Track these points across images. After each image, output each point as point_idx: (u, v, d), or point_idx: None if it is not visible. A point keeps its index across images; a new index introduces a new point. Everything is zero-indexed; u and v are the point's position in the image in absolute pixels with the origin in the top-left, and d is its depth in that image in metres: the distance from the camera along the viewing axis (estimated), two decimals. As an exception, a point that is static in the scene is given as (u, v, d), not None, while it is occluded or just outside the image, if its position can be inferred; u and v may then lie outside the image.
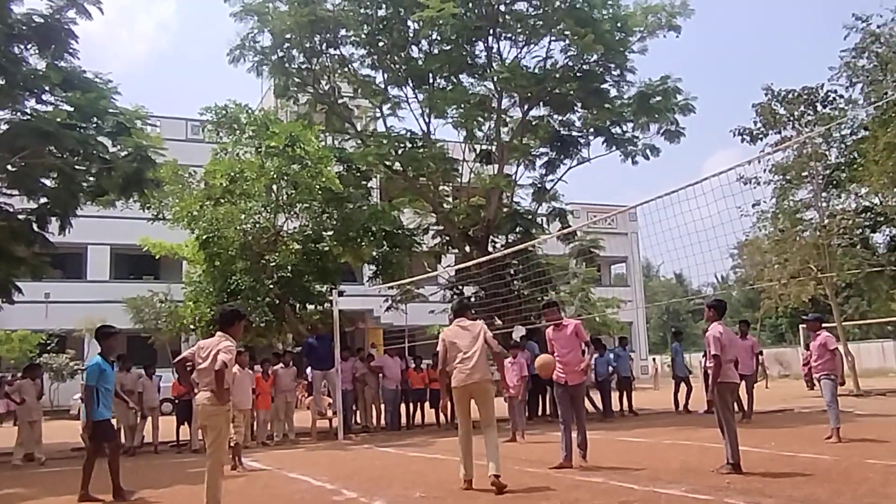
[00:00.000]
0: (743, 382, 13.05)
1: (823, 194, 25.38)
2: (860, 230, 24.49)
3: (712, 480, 7.39)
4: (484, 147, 21.55)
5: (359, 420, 16.46)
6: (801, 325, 39.67)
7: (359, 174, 19.73)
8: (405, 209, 21.01)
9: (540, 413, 17.10)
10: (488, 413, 7.71)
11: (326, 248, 17.86)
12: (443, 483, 8.07)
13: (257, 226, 17.66)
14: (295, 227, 18.16)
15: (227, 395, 6.60)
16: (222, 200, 17.18)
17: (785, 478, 7.40)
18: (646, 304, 50.96)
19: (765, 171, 26.17)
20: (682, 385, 17.56)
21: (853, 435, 11.06)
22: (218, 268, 17.03)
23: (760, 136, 25.52)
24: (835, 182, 25.02)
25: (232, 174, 17.20)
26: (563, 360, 9.02)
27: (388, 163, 19.82)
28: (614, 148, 20.62)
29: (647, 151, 20.69)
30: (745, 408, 14.32)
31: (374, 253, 18.72)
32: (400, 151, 19.60)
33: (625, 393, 17.91)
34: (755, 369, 15.01)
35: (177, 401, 14.28)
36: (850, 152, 24.20)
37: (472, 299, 20.94)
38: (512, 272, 19.83)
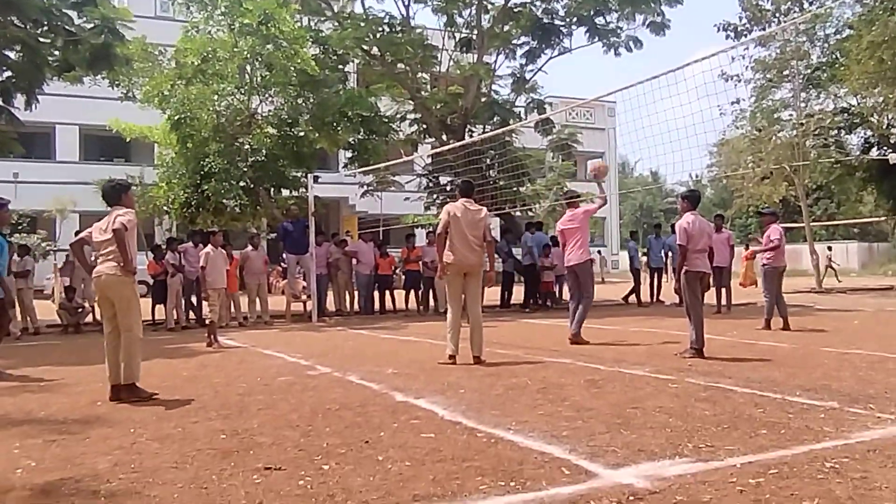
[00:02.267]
0: (721, 275, 13.59)
1: (803, 94, 25.33)
2: (836, 131, 24.62)
3: (675, 363, 7.66)
4: (464, 34, 21.03)
5: (333, 304, 16.68)
6: (770, 223, 40.49)
7: (335, 57, 19.22)
8: (382, 96, 20.62)
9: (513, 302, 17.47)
10: (477, 292, 8.16)
11: (302, 133, 17.59)
12: (415, 361, 8.30)
13: (231, 108, 17.26)
14: (270, 111, 17.80)
15: (131, 263, 6.27)
16: (194, 80, 16.70)
17: (744, 362, 7.69)
18: (620, 200, 51.35)
19: (746, 68, 26.00)
20: (648, 277, 17.93)
21: (812, 326, 11.48)
22: (190, 150, 16.75)
23: (745, 31, 25.15)
24: (815, 82, 24.92)
25: (204, 53, 16.66)
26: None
27: (365, 47, 19.34)
28: (597, 38, 20.26)
29: (631, 43, 20.34)
30: (726, 300, 14.76)
31: (351, 139, 18.49)
32: (378, 35, 19.09)
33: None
34: (730, 262, 15.30)
35: (153, 281, 14.32)
36: (832, 52, 24.02)
37: (448, 188, 20.96)
38: (488, 161, 19.79)
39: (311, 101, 17.25)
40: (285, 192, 18.30)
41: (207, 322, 10.96)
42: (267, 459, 4.24)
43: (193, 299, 14.55)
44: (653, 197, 68.32)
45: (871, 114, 22.74)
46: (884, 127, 22.97)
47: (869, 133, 23.90)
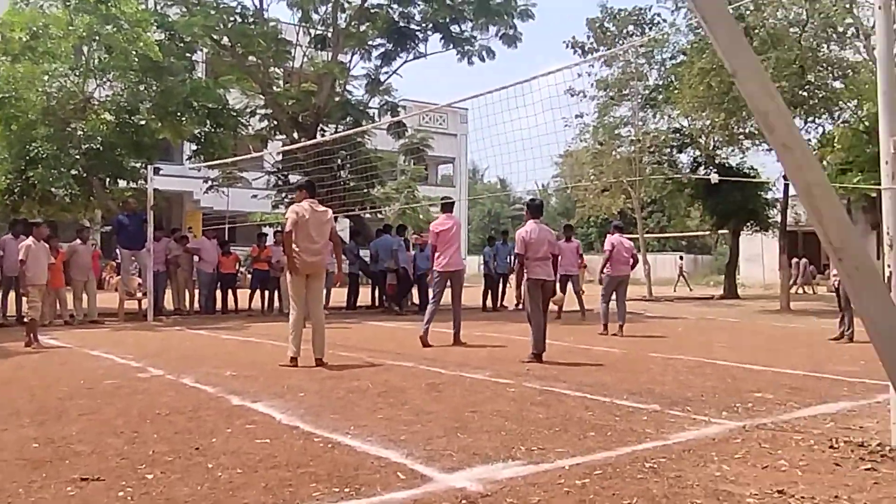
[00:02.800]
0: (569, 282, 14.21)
1: (641, 113, 26.91)
2: (669, 149, 26.30)
3: (515, 368, 7.87)
4: (319, 31, 20.73)
5: (171, 303, 15.92)
6: (607, 235, 42.78)
7: (182, 45, 18.33)
8: (232, 88, 19.88)
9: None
10: (320, 293, 8.15)
11: (143, 122, 16.64)
12: (255, 363, 8.06)
13: (63, 90, 16.04)
14: (107, 96, 16.72)
15: None
16: (21, 58, 15.39)
17: (579, 367, 8.03)
18: (469, 206, 52.42)
19: (591, 85, 27.32)
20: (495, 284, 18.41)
21: (642, 333, 12.18)
22: (15, 132, 15.41)
23: (591, 50, 26.40)
24: (652, 102, 26.52)
25: (34, 29, 15.40)
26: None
27: (215, 36, 18.59)
28: (451, 46, 20.53)
29: (484, 53, 20.78)
30: (579, 307, 15.37)
31: (196, 131, 17.72)
32: (229, 25, 18.40)
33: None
34: (580, 270, 16.06)
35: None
36: (668, 75, 25.63)
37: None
38: (339, 162, 19.59)
39: (154, 88, 16.35)
40: (122, 183, 17.24)
41: (26, 320, 10.13)
42: (84, 469, 3.95)
43: (12, 295, 13.42)
44: (501, 204, 70.21)
45: (700, 135, 24.45)
46: (710, 148, 24.74)
47: (697, 153, 25.67)
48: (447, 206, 10.70)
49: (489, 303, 18.12)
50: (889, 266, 4.48)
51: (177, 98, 16.14)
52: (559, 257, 9.31)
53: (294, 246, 7.86)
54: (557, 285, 9.72)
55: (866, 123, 19.14)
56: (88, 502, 3.46)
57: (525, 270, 8.49)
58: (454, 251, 10.11)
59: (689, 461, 4.17)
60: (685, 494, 3.57)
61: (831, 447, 4.48)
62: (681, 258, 37.37)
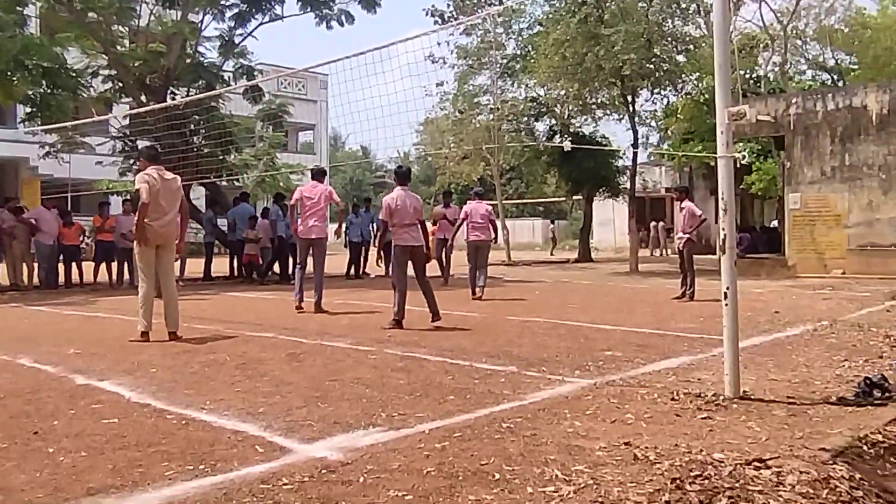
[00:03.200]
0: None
1: (500, 82, 27.36)
2: (526, 118, 26.94)
3: (376, 335, 7.87)
4: (166, -13, 19.58)
5: (6, 278, 14.77)
6: (467, 202, 43.48)
7: (11, -3, 16.83)
8: (71, 47, 18.49)
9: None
10: (171, 264, 7.89)
11: (-34, 81, 15.23)
12: (102, 340, 7.64)
13: None
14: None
15: None
16: None
17: (438, 332, 8.14)
18: (331, 173, 51.67)
19: (451, 53, 27.46)
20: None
21: (500, 297, 12.49)
22: None
23: (451, 18, 26.46)
24: (510, 72, 27.02)
25: None
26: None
27: (49, -12, 17.20)
28: (309, 9, 19.97)
29: (343, 17, 20.37)
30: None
31: (30, 92, 16.38)
32: (65, -23, 17.06)
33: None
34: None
35: None
36: (525, 45, 26.16)
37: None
38: (192, 127, 18.71)
39: (-22, 44, 14.97)
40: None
41: None
42: None
43: None
44: (363, 171, 69.75)
45: (555, 104, 25.22)
46: (565, 117, 25.57)
47: (553, 122, 26.45)
48: (317, 174, 10.62)
49: (352, 271, 18.03)
50: (724, 229, 4.79)
51: (6, 55, 14.83)
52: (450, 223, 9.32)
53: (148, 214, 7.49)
54: (430, 251, 9.84)
55: (706, 96, 20.37)
56: None
57: (392, 237, 8.48)
58: (317, 219, 10.09)
59: (544, 419, 4.32)
60: (540, 451, 3.70)
61: (672, 399, 4.77)
62: (552, 223, 38.77)
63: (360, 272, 18.13)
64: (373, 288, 14.41)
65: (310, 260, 10.14)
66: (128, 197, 16.70)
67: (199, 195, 23.24)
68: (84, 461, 3.61)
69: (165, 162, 17.22)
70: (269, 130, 31.92)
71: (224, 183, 20.98)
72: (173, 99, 18.21)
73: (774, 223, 29.81)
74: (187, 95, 18.25)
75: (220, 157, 19.49)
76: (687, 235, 11.63)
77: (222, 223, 18.22)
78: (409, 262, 8.64)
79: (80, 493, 3.18)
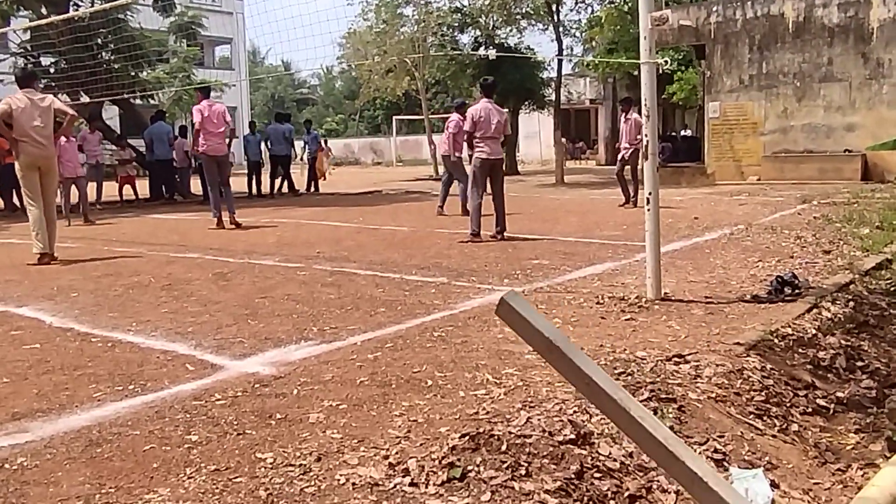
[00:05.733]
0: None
1: (422, -9, 26.65)
2: (451, 30, 26.44)
3: (304, 252, 7.81)
4: None
5: None
6: (393, 117, 42.91)
7: None
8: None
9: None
10: (51, 186, 7.74)
11: None
12: (17, 267, 7.36)
13: None
14: None
15: None
16: None
17: (368, 247, 8.12)
18: (252, 90, 50.11)
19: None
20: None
21: (428, 211, 12.49)
22: None
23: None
24: (433, -21, 26.32)
25: None
26: None
27: None
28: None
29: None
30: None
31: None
32: None
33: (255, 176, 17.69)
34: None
35: None
36: (448, -49, 25.44)
37: (52, 70, 18.51)
38: (100, 42, 17.72)
39: None
40: None
41: None
42: None
43: None
44: (284, 87, 67.73)
45: (480, 15, 24.80)
46: (490, 28, 25.21)
47: (478, 33, 26.04)
48: (203, 91, 10.88)
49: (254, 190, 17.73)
50: (646, 135, 4.87)
51: None
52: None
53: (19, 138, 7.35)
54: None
55: (629, 5, 20.28)
56: None
57: (474, 149, 8.34)
58: (216, 136, 10.32)
59: (474, 327, 4.41)
60: (471, 357, 3.79)
61: (598, 303, 4.93)
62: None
63: (275, 191, 17.81)
64: (298, 206, 14.20)
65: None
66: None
67: (112, 114, 22.22)
68: (6, 388, 3.53)
69: (72, 81, 16.46)
70: (182, 45, 30.46)
71: (139, 101, 20.10)
72: (76, 10, 17.14)
73: (685, 133, 30.48)
74: (91, 6, 17.21)
75: (132, 74, 18.61)
76: (634, 146, 11.64)
77: (140, 144, 17.56)
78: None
79: (4, 418, 3.12)
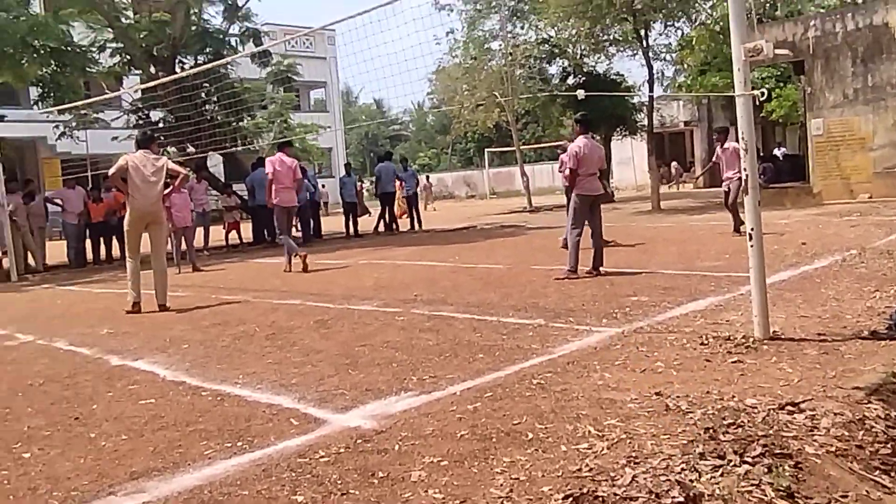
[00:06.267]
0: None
1: (509, 25, 26.85)
2: (538, 61, 26.49)
3: (402, 295, 7.90)
4: (166, -46, 19.33)
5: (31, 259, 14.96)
6: (485, 150, 43.15)
7: (12, -23, 16.72)
8: (75, 22, 18.41)
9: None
10: (159, 239, 8.28)
11: (-24, 66, 15.23)
12: (134, 318, 7.75)
13: None
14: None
15: None
16: None
17: (464, 287, 8.15)
18: (346, 129, 51.52)
19: (457, -2, 26.92)
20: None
21: (524, 246, 12.46)
22: None
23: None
24: (519, 14, 26.49)
25: None
26: None
27: (49, -34, 17.05)
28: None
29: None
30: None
31: (41, 72, 16.37)
32: (63, -47, 16.89)
33: (351, 216, 18.24)
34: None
35: None
36: (533, -16, 25.58)
37: (161, 124, 19.58)
38: (203, 95, 18.66)
39: (-15, 28, 14.92)
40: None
41: None
42: (-48, 456, 3.72)
43: None
44: (377, 125, 69.36)
45: (567, 45, 24.73)
46: (578, 57, 25.11)
47: (566, 63, 25.99)
48: (281, 145, 11.65)
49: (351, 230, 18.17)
50: (745, 169, 4.71)
51: (13, 38, 14.80)
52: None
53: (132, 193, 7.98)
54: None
55: (721, 24, 19.79)
56: (-40, 491, 3.26)
57: (575, 186, 8.42)
58: (286, 189, 11.08)
59: (574, 373, 4.33)
60: (571, 407, 3.72)
61: (702, 344, 4.76)
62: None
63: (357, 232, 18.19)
64: (396, 245, 14.41)
65: None
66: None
67: (216, 162, 23.28)
68: (125, 444, 3.69)
69: (179, 134, 17.33)
70: (279, 92, 31.72)
71: (239, 149, 20.99)
72: (182, 68, 18.13)
73: (779, 152, 29.29)
74: (195, 64, 18.17)
75: (234, 124, 19.47)
76: (738, 176, 11.19)
77: (242, 189, 18.29)
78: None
79: (123, 477, 3.26)
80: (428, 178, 37.84)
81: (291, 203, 11.28)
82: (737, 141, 4.85)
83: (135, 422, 4.05)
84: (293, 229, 16.53)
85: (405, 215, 19.82)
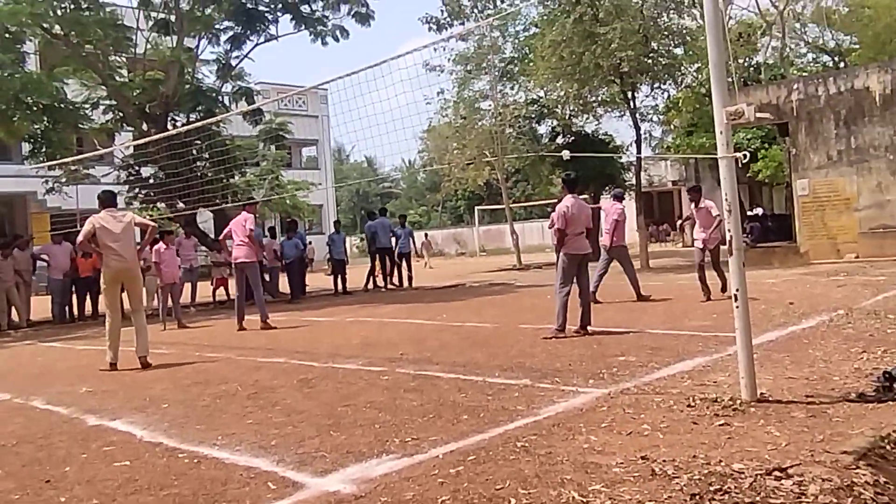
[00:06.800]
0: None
1: (499, 86, 27.32)
2: (528, 121, 26.89)
3: (387, 353, 7.81)
4: (161, 16, 19.65)
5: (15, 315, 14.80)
6: (475, 207, 43.45)
7: (8, 36, 16.92)
8: (69, 79, 18.61)
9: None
10: (136, 294, 8.30)
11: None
12: (115, 376, 7.63)
13: None
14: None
15: None
16: None
17: (451, 346, 8.07)
18: (336, 186, 51.84)
19: (449, 60, 27.45)
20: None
21: (512, 304, 12.42)
22: None
23: (447, 25, 26.44)
24: (509, 75, 26.99)
25: None
26: None
27: (45, 25, 17.27)
28: (303, 27, 20.02)
29: (338, 33, 20.40)
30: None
31: (33, 128, 16.46)
32: (60, 13, 17.12)
33: (339, 275, 18.18)
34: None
35: None
36: (522, 47, 26.12)
37: (152, 180, 19.68)
38: (195, 152, 18.76)
39: (-22, 84, 15.05)
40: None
41: None
42: (-85, 521, 3.59)
43: None
44: (368, 182, 69.84)
45: (556, 105, 25.15)
46: (566, 117, 25.50)
47: (555, 122, 26.38)
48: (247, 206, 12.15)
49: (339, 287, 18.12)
50: (730, 230, 4.72)
51: (5, 94, 14.91)
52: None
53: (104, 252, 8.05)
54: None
55: (706, 87, 20.18)
56: (-80, 560, 3.13)
57: (563, 245, 8.42)
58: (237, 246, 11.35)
59: (559, 436, 4.25)
60: (555, 471, 3.63)
61: (689, 406, 4.69)
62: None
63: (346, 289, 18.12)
64: (383, 302, 14.34)
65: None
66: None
67: (205, 219, 23.27)
68: (96, 510, 3.58)
69: (169, 190, 17.38)
70: (271, 149, 31.96)
71: (229, 205, 21.02)
72: (174, 126, 18.26)
73: (758, 211, 29.58)
74: (187, 122, 18.31)
75: (224, 180, 19.51)
76: (713, 236, 11.18)
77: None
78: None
79: (91, 545, 3.15)
80: (426, 235, 38.06)
81: (238, 259, 11.36)
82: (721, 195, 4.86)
83: (107, 485, 3.93)
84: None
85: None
